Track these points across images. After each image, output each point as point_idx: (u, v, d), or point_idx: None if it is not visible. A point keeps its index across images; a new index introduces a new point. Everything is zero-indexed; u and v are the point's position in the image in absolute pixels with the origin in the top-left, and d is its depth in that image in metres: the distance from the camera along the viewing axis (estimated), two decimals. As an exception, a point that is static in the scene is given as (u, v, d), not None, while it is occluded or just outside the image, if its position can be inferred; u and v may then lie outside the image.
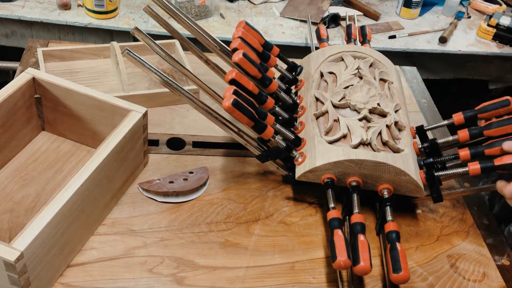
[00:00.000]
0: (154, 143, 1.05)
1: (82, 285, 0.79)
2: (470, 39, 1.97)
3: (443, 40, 1.91)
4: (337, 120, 0.95)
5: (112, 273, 0.82)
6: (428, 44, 1.91)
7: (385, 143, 0.93)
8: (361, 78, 1.03)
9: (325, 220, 0.96)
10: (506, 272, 0.92)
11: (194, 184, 0.96)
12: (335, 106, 0.97)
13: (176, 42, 1.27)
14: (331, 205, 0.88)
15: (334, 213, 0.86)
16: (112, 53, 1.19)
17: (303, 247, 0.91)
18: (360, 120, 0.95)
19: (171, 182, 0.95)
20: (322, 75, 1.06)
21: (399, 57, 1.90)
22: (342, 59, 1.08)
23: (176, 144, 1.06)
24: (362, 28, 1.25)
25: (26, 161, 0.96)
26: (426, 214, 1.00)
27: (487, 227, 1.00)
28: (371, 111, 0.96)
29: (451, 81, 2.13)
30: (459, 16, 2.06)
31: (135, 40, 1.76)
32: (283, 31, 1.83)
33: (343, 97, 0.98)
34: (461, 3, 2.16)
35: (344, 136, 0.93)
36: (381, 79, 1.05)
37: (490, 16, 1.99)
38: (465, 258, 0.93)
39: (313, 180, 0.92)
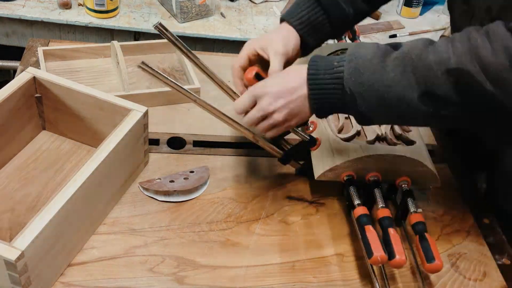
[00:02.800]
0: (154, 142, 1.05)
1: (83, 284, 0.79)
2: (470, 38, 1.97)
3: (443, 39, 1.91)
4: (348, 118, 0.97)
5: (112, 272, 0.82)
6: (428, 43, 1.91)
7: (398, 137, 0.95)
8: None
9: (326, 219, 0.96)
10: (506, 271, 0.92)
11: (195, 183, 0.96)
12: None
13: (177, 41, 1.27)
14: (356, 201, 0.88)
15: (361, 209, 0.87)
16: (112, 52, 1.19)
17: (304, 246, 0.91)
18: None
19: (172, 181, 0.95)
20: None
21: (400, 56, 1.89)
22: None
23: (176, 143, 1.06)
24: None
25: (26, 160, 0.96)
26: (426, 213, 1.00)
27: (487, 226, 1.00)
28: None
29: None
30: (459, 15, 2.06)
31: (135, 39, 1.76)
32: (284, 30, 1.83)
33: None
34: (461, 2, 2.15)
35: (358, 133, 0.94)
36: None
37: (491, 15, 1.98)
38: (466, 257, 0.93)
39: (332, 179, 0.92)
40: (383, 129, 0.94)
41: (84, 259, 0.83)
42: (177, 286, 0.82)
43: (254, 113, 0.83)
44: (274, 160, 1.05)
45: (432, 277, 0.88)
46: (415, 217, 0.87)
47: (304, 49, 0.95)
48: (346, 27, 1.02)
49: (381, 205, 0.88)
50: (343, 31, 1.08)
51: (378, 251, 0.79)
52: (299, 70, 0.82)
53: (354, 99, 0.77)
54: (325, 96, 0.79)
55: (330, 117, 0.97)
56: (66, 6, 1.74)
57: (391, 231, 0.83)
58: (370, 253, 0.79)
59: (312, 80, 0.80)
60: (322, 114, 0.83)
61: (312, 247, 0.91)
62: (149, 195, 0.94)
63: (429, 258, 0.80)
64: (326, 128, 0.96)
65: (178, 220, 0.91)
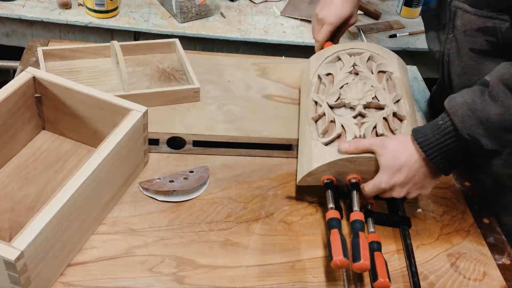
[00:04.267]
0: (154, 142, 1.05)
1: (83, 284, 0.79)
2: (470, 38, 1.97)
3: (443, 39, 1.91)
4: (333, 121, 0.96)
5: (112, 272, 0.82)
6: (428, 43, 1.91)
7: (381, 136, 0.93)
8: (357, 74, 1.03)
9: (325, 219, 0.96)
10: (506, 271, 0.92)
11: (195, 183, 0.96)
12: (331, 107, 0.98)
13: (176, 41, 1.27)
14: (330, 205, 0.89)
15: (332, 213, 0.87)
16: (112, 52, 1.19)
17: (304, 246, 0.91)
18: (355, 117, 0.95)
19: (172, 181, 0.95)
20: (320, 78, 1.06)
21: (400, 56, 1.89)
22: (339, 59, 1.08)
23: (176, 143, 1.06)
24: None
25: (26, 160, 0.96)
26: (426, 213, 1.00)
27: (487, 226, 1.00)
28: (367, 106, 0.96)
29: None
30: (459, 15, 2.06)
31: (135, 39, 1.76)
32: (284, 30, 1.83)
33: (339, 97, 0.99)
34: (461, 2, 2.15)
35: (339, 136, 0.93)
36: (380, 71, 1.05)
37: (491, 15, 1.98)
38: (466, 257, 0.93)
39: (314, 183, 0.93)
40: (363, 130, 0.92)
41: (84, 259, 0.83)
42: (177, 286, 0.82)
43: (374, 190, 0.90)
44: (274, 160, 1.06)
45: (432, 277, 0.88)
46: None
47: None
48: None
49: (356, 208, 0.88)
50: None
51: (337, 255, 0.79)
52: (405, 149, 0.88)
53: (477, 141, 0.82)
54: (447, 154, 0.85)
55: (319, 120, 0.98)
56: (66, 6, 1.74)
57: (361, 235, 0.83)
58: (330, 257, 0.80)
59: (426, 146, 0.85)
60: (449, 171, 0.89)
61: (312, 247, 0.91)
62: (149, 195, 0.94)
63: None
64: (312, 132, 0.95)
65: (178, 220, 0.91)
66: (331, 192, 0.91)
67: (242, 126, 1.12)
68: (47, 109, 0.98)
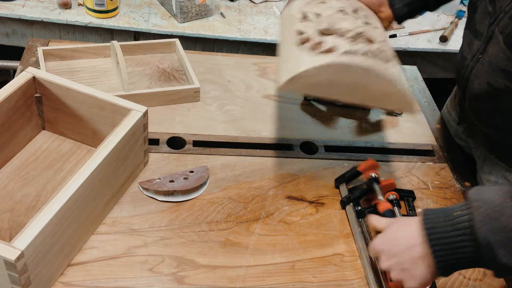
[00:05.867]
0: (154, 142, 1.05)
1: (83, 284, 0.79)
2: (470, 38, 1.97)
3: (443, 39, 1.91)
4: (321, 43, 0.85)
5: (112, 272, 0.82)
6: (428, 43, 1.91)
7: (374, 54, 0.84)
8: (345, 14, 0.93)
9: (326, 219, 0.96)
10: (506, 271, 0.92)
11: (195, 183, 0.96)
12: (320, 33, 0.86)
13: (176, 41, 1.27)
14: (380, 197, 0.93)
15: (387, 204, 0.91)
16: (112, 52, 1.19)
17: (304, 246, 0.91)
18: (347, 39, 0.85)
19: (172, 181, 0.95)
20: (305, 15, 0.94)
21: (400, 56, 1.88)
22: (324, 2, 0.97)
23: (176, 143, 1.06)
24: None
25: (26, 160, 0.96)
26: (426, 213, 1.00)
27: (487, 226, 1.00)
28: (357, 37, 0.86)
29: (452, 80, 2.12)
30: (459, 15, 2.06)
31: (135, 39, 1.76)
32: (284, 30, 1.83)
33: (329, 26, 0.87)
34: (461, 2, 2.15)
35: (331, 50, 0.82)
36: (366, 23, 0.95)
37: (491, 15, 1.98)
38: (466, 257, 0.93)
39: (297, 91, 0.81)
40: (358, 46, 0.82)
41: (84, 259, 0.83)
42: (177, 286, 0.82)
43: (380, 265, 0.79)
44: (274, 160, 1.05)
45: (432, 277, 0.88)
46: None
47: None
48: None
49: (380, 197, 0.92)
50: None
51: None
52: (409, 224, 0.75)
53: (491, 249, 0.66)
54: (451, 252, 0.70)
55: (306, 43, 0.85)
56: (66, 6, 1.74)
57: None
58: None
59: (432, 235, 0.71)
60: (446, 274, 0.73)
61: (312, 247, 0.91)
62: (149, 195, 0.94)
63: None
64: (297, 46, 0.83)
65: (178, 220, 0.91)
66: (377, 185, 0.94)
67: (242, 126, 1.12)
68: (47, 109, 0.98)
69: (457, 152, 1.16)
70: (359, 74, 0.80)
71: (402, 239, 0.75)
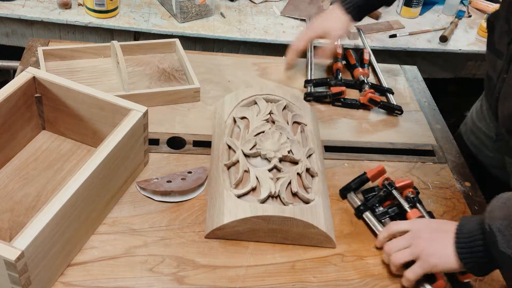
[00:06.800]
0: (154, 142, 1.05)
1: (83, 284, 0.79)
2: (470, 38, 1.97)
3: (443, 39, 1.91)
4: (247, 171, 0.92)
5: (112, 272, 0.82)
6: (428, 43, 1.91)
7: (294, 194, 0.91)
8: (273, 122, 1.01)
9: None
10: (506, 271, 0.92)
11: (192, 184, 0.95)
12: (246, 155, 0.94)
13: (177, 41, 1.27)
14: (407, 206, 0.93)
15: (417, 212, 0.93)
16: (112, 52, 1.19)
17: (304, 246, 0.91)
18: (270, 170, 0.92)
19: (169, 181, 0.95)
20: (235, 121, 1.03)
21: (400, 56, 1.90)
22: (256, 103, 1.06)
23: (176, 143, 1.06)
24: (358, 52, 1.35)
25: (26, 160, 0.96)
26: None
27: (487, 226, 1.00)
28: (282, 159, 0.94)
29: (452, 80, 2.12)
30: (459, 15, 2.06)
31: (135, 39, 1.76)
32: (284, 30, 1.83)
33: (254, 145, 0.96)
34: (461, 2, 2.15)
35: (254, 189, 0.90)
36: (294, 122, 1.04)
37: (491, 15, 1.98)
38: (466, 257, 0.93)
39: (222, 238, 0.88)
40: (278, 186, 0.89)
41: (84, 259, 0.83)
42: (177, 286, 0.82)
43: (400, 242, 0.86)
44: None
45: (432, 277, 0.88)
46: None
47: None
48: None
49: (407, 207, 0.93)
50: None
51: None
52: (448, 224, 0.84)
53: (493, 234, 0.74)
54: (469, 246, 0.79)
55: (232, 167, 0.94)
56: (66, 6, 1.74)
57: None
58: None
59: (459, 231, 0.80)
60: (467, 267, 0.80)
61: (312, 247, 0.91)
62: (146, 194, 0.94)
63: None
64: (225, 181, 0.91)
65: (178, 220, 0.91)
66: (396, 192, 0.95)
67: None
68: (47, 109, 0.98)
69: (457, 152, 1.16)
70: (279, 221, 0.87)
71: (439, 224, 0.85)
